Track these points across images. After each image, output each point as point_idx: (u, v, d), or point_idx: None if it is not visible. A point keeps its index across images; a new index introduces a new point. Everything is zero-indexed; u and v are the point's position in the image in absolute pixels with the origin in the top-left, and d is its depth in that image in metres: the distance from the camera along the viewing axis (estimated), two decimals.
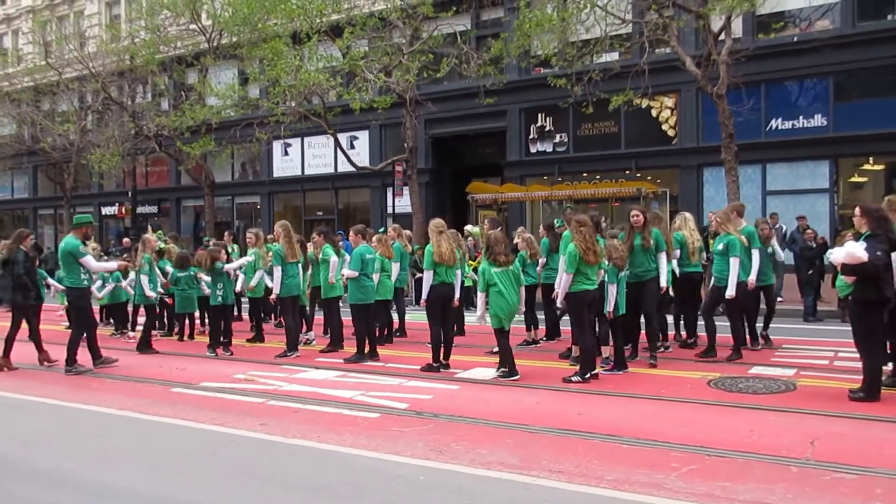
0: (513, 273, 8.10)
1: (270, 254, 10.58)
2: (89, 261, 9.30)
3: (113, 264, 10.49)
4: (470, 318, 10.41)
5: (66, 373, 9.06)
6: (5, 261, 9.53)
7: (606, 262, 8.15)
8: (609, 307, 8.21)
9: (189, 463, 5.39)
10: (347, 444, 5.67)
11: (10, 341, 9.49)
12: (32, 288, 9.62)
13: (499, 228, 8.68)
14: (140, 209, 28.05)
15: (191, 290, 11.43)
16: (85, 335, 9.42)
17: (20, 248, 9.56)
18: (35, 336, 9.72)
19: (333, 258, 10.20)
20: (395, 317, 11.65)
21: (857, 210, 7.04)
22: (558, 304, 8.09)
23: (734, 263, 8.57)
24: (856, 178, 18.61)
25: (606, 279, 8.18)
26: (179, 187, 29.16)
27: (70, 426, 6.68)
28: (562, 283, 7.97)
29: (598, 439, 5.65)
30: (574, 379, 7.76)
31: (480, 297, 8.27)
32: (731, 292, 8.57)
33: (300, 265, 10.39)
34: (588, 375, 7.76)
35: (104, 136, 24.90)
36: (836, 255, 6.83)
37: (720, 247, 8.77)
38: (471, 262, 13.79)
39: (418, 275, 13.23)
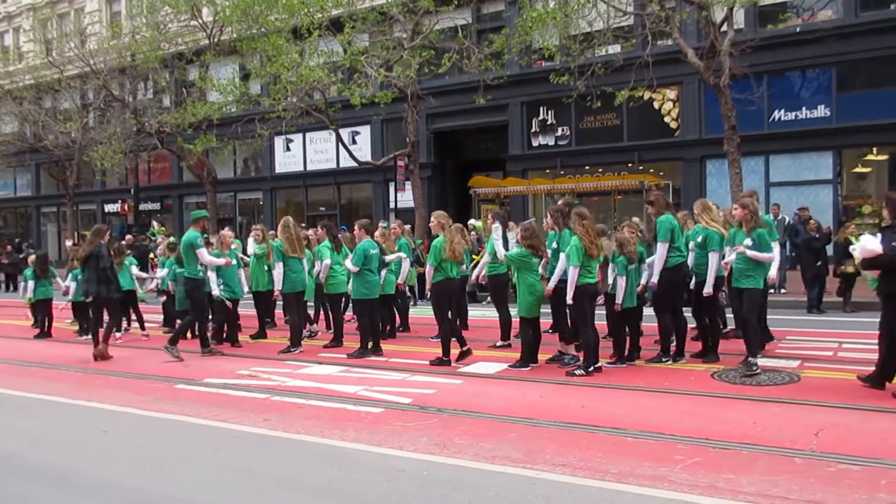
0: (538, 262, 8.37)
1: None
2: (203, 253, 9.73)
3: (222, 260, 10.54)
4: (474, 313, 10.41)
5: (166, 349, 9.49)
6: (88, 256, 9.84)
7: (617, 255, 8.18)
8: (618, 299, 8.22)
9: (192, 460, 5.39)
10: (351, 439, 5.66)
11: (107, 331, 10.06)
12: (115, 281, 10.06)
13: (532, 220, 8.71)
14: (143, 206, 28.11)
15: None
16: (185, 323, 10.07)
17: (101, 242, 9.97)
18: (96, 330, 10.03)
19: (327, 260, 10.15)
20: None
21: (885, 201, 6.82)
22: (569, 301, 7.99)
23: (713, 258, 8.10)
24: (859, 169, 18.56)
25: (616, 271, 8.17)
26: (182, 184, 29.20)
27: (74, 423, 6.69)
28: (569, 277, 7.91)
29: (602, 432, 5.64)
30: (578, 372, 7.76)
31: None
32: (707, 290, 8.12)
33: (305, 261, 10.37)
34: (591, 369, 7.76)
35: (106, 134, 24.95)
36: (857, 252, 6.74)
37: (699, 239, 8.31)
38: (474, 256, 13.78)
39: (420, 269, 13.20)
